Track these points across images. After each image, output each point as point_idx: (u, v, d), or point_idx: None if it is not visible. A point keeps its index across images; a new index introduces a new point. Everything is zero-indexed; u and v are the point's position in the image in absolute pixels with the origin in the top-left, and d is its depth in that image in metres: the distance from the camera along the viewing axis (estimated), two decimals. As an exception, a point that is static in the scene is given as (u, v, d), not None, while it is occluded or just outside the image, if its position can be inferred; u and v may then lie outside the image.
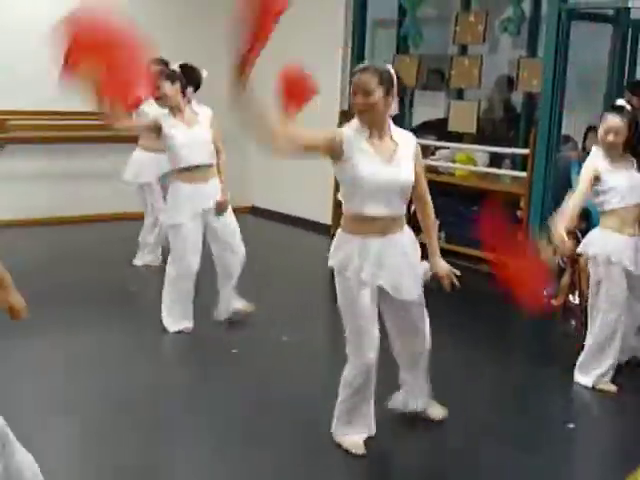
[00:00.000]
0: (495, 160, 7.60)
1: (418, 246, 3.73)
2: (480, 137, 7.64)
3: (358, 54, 8.45)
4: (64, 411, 4.14)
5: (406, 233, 3.67)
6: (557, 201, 6.58)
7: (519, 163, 7.31)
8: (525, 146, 7.02)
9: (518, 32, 7.23)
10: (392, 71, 3.49)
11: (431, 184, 7.71)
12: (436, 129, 8.00)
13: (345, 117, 8.05)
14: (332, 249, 3.62)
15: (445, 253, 7.41)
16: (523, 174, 6.94)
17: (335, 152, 3.46)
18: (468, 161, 7.66)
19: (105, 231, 7.91)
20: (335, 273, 3.60)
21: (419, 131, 8.20)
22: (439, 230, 7.71)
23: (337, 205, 6.71)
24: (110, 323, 5.49)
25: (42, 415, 4.07)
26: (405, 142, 3.58)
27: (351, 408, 3.69)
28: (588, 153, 4.87)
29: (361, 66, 3.52)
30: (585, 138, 6.67)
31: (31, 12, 8.07)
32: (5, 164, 8.05)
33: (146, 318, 5.52)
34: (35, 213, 8.17)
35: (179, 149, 5.19)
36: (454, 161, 7.76)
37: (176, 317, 5.30)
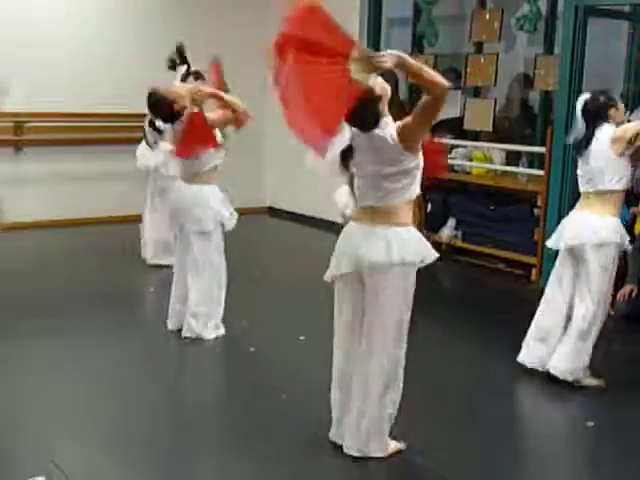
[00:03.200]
0: (512, 158, 7.57)
1: None
2: (496, 135, 7.61)
3: (373, 53, 8.42)
4: (80, 411, 4.17)
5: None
6: (574, 198, 6.57)
7: (536, 161, 7.28)
8: (542, 144, 6.98)
9: (534, 29, 7.19)
10: None
11: (447, 182, 7.79)
12: (452, 128, 7.97)
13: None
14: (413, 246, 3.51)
15: (462, 252, 7.56)
16: (540, 172, 6.91)
17: None
18: (484, 159, 7.63)
19: (126, 232, 7.89)
20: (407, 268, 3.49)
21: (435, 130, 8.19)
22: (455, 228, 7.72)
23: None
24: (128, 323, 5.53)
25: (56, 414, 4.10)
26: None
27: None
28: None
29: None
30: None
31: (48, 18, 8.14)
32: (22, 167, 8.10)
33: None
34: (54, 215, 8.21)
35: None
36: (470, 159, 7.73)
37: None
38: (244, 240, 6.23)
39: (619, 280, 6.09)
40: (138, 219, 7.08)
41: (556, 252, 6.64)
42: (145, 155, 6.73)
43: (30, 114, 8.03)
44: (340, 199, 4.32)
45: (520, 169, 7.38)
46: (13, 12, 7.96)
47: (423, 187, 3.53)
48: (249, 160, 8.56)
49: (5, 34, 7.85)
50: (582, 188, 4.65)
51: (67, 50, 8.19)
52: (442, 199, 7.86)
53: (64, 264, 6.98)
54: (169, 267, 6.71)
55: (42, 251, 7.42)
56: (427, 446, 3.87)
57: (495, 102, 7.61)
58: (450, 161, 7.79)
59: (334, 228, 8.33)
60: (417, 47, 8.36)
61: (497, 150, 7.57)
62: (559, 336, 4.67)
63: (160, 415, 4.16)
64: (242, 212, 7.39)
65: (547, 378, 4.69)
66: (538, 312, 4.80)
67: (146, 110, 5.41)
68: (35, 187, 8.16)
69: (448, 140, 7.90)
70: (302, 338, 5.28)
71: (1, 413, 4.05)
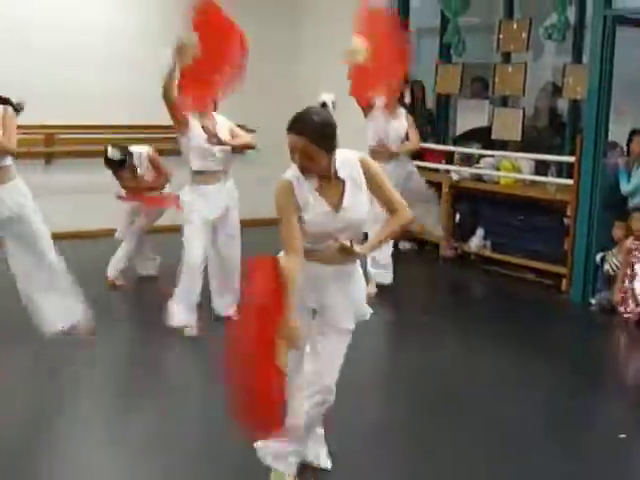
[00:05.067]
0: (540, 168, 7.53)
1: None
2: (525, 145, 7.58)
3: (401, 63, 8.45)
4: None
5: (356, 268, 3.40)
6: (605, 208, 6.53)
7: (565, 170, 7.23)
8: (571, 153, 6.94)
9: (563, 39, 7.17)
10: (327, 119, 3.14)
11: (476, 192, 7.76)
12: (480, 137, 7.96)
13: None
14: None
15: (491, 261, 7.53)
16: (569, 182, 6.86)
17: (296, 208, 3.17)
18: (513, 169, 7.60)
19: (161, 243, 7.91)
20: None
21: (463, 139, 8.19)
22: (484, 238, 7.70)
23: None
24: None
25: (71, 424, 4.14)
26: (350, 172, 3.23)
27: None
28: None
29: (294, 120, 3.11)
30: (629, 141, 6.59)
31: (78, 29, 8.23)
32: (53, 178, 8.18)
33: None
34: (86, 225, 8.27)
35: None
36: (498, 169, 7.71)
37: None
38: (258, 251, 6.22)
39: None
40: (169, 230, 7.10)
41: (585, 262, 6.63)
42: None
43: (61, 126, 8.12)
44: None
45: (549, 179, 7.34)
46: (46, 22, 8.04)
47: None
48: (263, 170, 8.49)
49: (38, 46, 7.93)
50: None
51: (98, 61, 8.27)
52: (470, 209, 7.84)
53: (97, 275, 6.99)
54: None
55: (75, 262, 7.43)
56: (452, 458, 3.87)
57: (524, 111, 7.59)
58: (477, 171, 7.78)
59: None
60: (444, 57, 8.36)
61: (525, 160, 7.54)
62: None
63: (166, 421, 4.18)
64: (257, 223, 7.44)
65: (579, 387, 4.67)
66: None
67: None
68: (66, 198, 8.22)
69: (476, 150, 7.90)
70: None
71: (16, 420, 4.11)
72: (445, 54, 8.34)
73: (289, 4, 9.29)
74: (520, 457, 3.90)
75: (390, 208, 3.31)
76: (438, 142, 8.33)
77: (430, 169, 8.12)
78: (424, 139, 7.56)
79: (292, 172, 3.18)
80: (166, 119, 5.35)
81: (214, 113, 5.46)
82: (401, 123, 6.57)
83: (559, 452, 3.95)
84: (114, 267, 6.60)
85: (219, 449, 3.87)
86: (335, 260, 3.23)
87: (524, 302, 6.78)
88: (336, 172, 3.19)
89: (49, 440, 3.92)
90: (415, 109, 7.87)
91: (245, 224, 5.80)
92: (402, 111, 6.64)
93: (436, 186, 7.85)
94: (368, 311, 3.47)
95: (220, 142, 5.32)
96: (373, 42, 5.33)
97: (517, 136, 7.56)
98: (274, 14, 9.11)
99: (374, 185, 3.26)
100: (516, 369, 5.14)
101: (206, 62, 4.93)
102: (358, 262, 3.41)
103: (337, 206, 3.19)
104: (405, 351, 5.59)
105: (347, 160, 3.24)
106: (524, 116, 7.57)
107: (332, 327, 3.31)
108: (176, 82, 5.02)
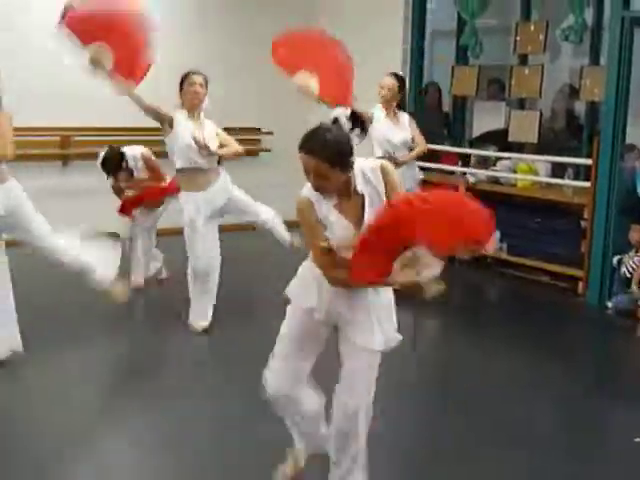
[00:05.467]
0: (557, 170, 7.50)
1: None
2: (541, 147, 7.55)
3: (417, 66, 8.45)
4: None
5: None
6: (622, 211, 6.49)
7: (582, 173, 7.20)
8: (588, 156, 6.91)
9: (580, 40, 7.14)
10: (340, 136, 3.02)
11: (492, 195, 7.74)
12: (496, 139, 7.93)
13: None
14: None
15: (507, 264, 7.51)
16: (586, 184, 6.83)
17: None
18: (529, 171, 7.57)
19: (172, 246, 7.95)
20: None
21: (479, 142, 8.16)
22: (500, 240, 7.66)
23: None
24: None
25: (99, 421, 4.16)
26: (370, 185, 3.10)
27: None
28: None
29: (305, 139, 2.97)
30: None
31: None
32: (70, 180, 8.22)
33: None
34: (104, 227, 8.28)
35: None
36: (515, 172, 7.68)
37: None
38: (273, 252, 6.23)
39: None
40: (173, 232, 7.12)
41: (602, 265, 6.59)
42: None
43: (76, 128, 8.14)
44: None
45: (566, 181, 7.31)
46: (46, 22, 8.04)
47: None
48: (276, 174, 8.50)
49: (38, 46, 7.86)
50: None
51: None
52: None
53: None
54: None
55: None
56: (456, 458, 3.85)
57: (540, 114, 7.56)
58: (494, 173, 7.76)
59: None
60: (461, 59, 8.34)
61: (542, 162, 7.50)
62: None
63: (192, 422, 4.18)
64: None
65: (593, 390, 4.64)
66: None
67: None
68: (83, 200, 8.26)
69: (492, 152, 7.87)
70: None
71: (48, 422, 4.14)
72: (462, 56, 8.33)
73: (303, 4, 9.29)
74: (524, 458, 3.88)
75: None
76: (454, 144, 8.32)
77: (446, 171, 8.11)
78: (433, 141, 7.46)
79: (307, 191, 3.07)
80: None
81: (202, 116, 5.45)
82: (404, 128, 6.48)
83: (563, 453, 3.94)
84: (139, 270, 6.63)
85: (225, 449, 3.89)
86: None
87: (539, 305, 6.76)
88: (355, 188, 3.07)
89: (54, 440, 3.94)
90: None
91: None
92: (405, 116, 6.51)
93: (452, 189, 7.83)
94: (397, 337, 3.27)
95: (211, 154, 5.36)
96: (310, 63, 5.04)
97: (534, 138, 7.53)
98: (289, 13, 9.10)
99: (389, 191, 3.11)
100: (529, 371, 5.12)
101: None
102: None
103: (358, 223, 3.07)
104: (418, 351, 5.58)
105: (367, 171, 3.11)
106: (541, 118, 7.54)
107: (352, 344, 3.20)
108: (128, 83, 5.23)
